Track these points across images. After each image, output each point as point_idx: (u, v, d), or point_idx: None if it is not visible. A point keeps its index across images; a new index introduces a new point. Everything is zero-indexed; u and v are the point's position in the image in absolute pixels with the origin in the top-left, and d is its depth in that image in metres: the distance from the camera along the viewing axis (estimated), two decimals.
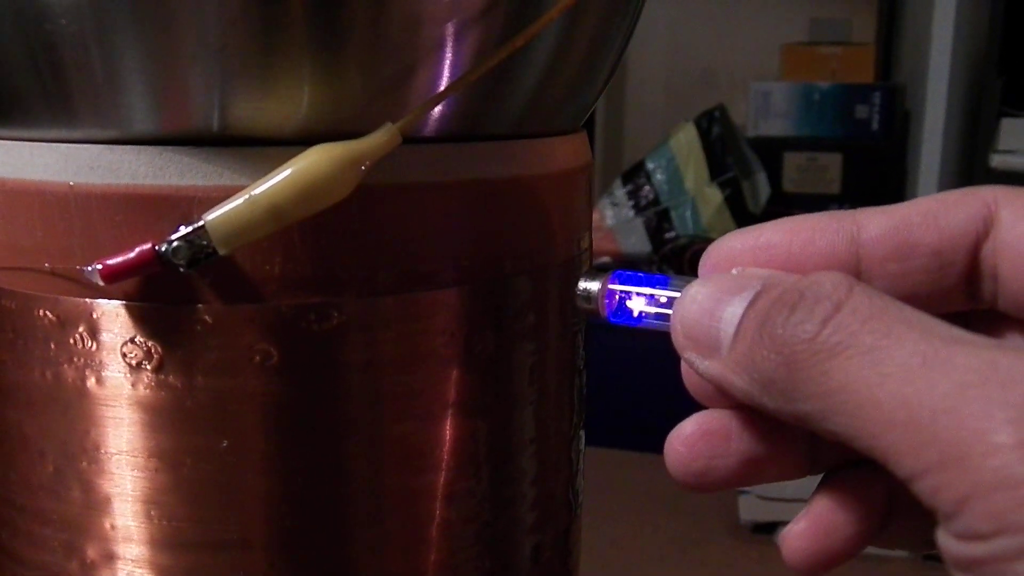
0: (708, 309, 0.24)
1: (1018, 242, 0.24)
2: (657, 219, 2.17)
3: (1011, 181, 1.93)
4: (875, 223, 0.25)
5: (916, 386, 0.20)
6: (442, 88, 0.25)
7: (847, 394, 0.21)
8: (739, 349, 0.23)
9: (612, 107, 2.72)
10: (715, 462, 0.26)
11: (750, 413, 0.26)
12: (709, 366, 0.24)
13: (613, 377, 1.89)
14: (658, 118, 2.62)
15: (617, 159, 2.68)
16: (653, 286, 0.28)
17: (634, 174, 2.23)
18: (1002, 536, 0.19)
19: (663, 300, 0.27)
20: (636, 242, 2.16)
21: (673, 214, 2.17)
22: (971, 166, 2.06)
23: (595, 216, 2.20)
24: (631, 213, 2.18)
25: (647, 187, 2.20)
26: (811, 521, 0.25)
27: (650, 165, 2.21)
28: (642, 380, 1.81)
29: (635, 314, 0.28)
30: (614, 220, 2.19)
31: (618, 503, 1.70)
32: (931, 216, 0.25)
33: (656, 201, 2.19)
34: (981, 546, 0.19)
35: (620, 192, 2.21)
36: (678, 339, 0.25)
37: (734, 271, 0.25)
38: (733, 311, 0.23)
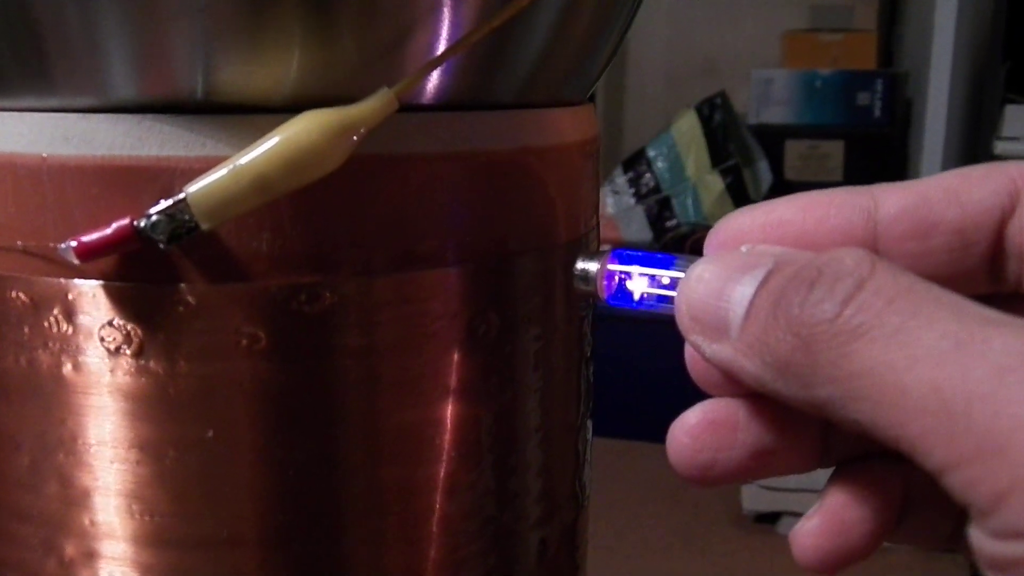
0: (716, 289, 0.22)
1: None
2: (658, 207, 2.16)
3: None
4: (893, 199, 0.23)
5: (948, 370, 0.18)
6: (441, 51, 0.23)
7: (871, 379, 0.19)
8: (750, 331, 0.22)
9: (613, 94, 2.70)
10: (721, 454, 0.24)
11: (758, 402, 0.24)
12: (717, 350, 0.22)
13: (614, 366, 1.88)
14: (659, 105, 2.60)
15: (618, 146, 2.66)
16: (655, 266, 0.26)
17: (635, 161, 2.22)
18: None
19: (666, 281, 0.26)
20: (637, 230, 2.15)
21: (674, 202, 2.16)
22: (975, 153, 2.05)
23: None
24: (632, 201, 2.17)
25: (648, 175, 2.19)
26: (824, 518, 0.23)
27: (651, 152, 2.20)
28: (644, 368, 1.80)
29: (636, 296, 0.26)
30: (615, 208, 2.18)
31: (620, 493, 1.69)
32: (953, 192, 0.23)
33: (657, 189, 2.18)
34: (1021, 545, 0.18)
35: (621, 180, 2.20)
36: (683, 321, 0.23)
37: (743, 248, 0.24)
38: (743, 291, 0.22)
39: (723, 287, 0.22)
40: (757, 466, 0.24)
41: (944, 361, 0.18)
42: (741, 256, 0.23)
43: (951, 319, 0.19)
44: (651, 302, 0.26)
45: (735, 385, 0.24)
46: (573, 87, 0.29)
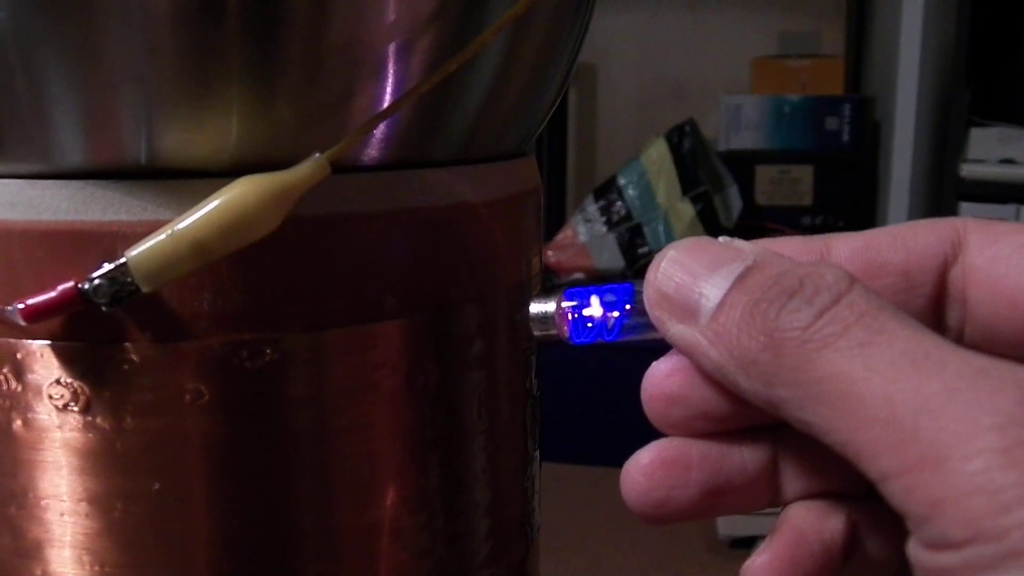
0: (691, 271, 0.23)
1: (988, 265, 0.23)
2: (630, 235, 2.17)
3: (981, 190, 1.94)
4: (844, 243, 0.25)
5: (903, 385, 0.19)
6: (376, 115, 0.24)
7: (830, 385, 0.20)
8: (721, 322, 0.22)
9: (584, 123, 2.72)
10: (675, 492, 0.25)
11: (711, 442, 0.25)
12: (682, 330, 0.23)
13: (588, 393, 1.88)
14: (630, 132, 2.62)
15: (590, 175, 2.67)
16: (612, 293, 0.27)
17: (606, 190, 2.23)
18: (975, 544, 0.18)
19: (624, 310, 0.26)
20: (609, 258, 2.16)
21: (645, 229, 2.17)
22: (941, 176, 2.07)
23: (568, 232, 2.20)
24: (604, 229, 2.18)
25: (619, 203, 2.20)
26: (773, 554, 0.25)
27: (622, 181, 2.21)
28: (618, 395, 1.80)
29: (597, 316, 0.27)
30: (587, 236, 2.18)
31: (596, 521, 1.69)
32: (899, 238, 0.24)
33: (628, 217, 2.18)
34: (952, 555, 0.18)
35: (592, 208, 2.21)
36: (650, 295, 0.24)
37: (722, 239, 0.24)
38: (719, 282, 0.23)
39: (699, 273, 0.23)
40: (709, 504, 0.25)
41: (900, 376, 0.19)
42: (719, 247, 0.24)
43: (913, 340, 0.20)
44: (615, 327, 0.27)
45: (690, 426, 0.25)
46: (512, 141, 0.30)
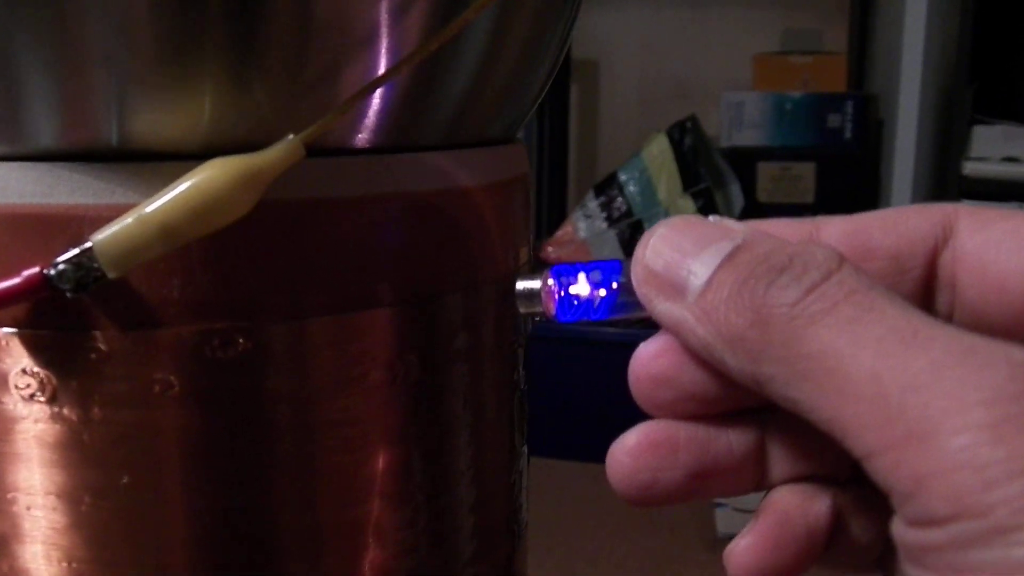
0: (680, 249, 0.23)
1: (977, 249, 0.23)
2: (630, 231, 2.16)
3: (984, 188, 1.93)
4: (834, 227, 0.25)
5: (890, 361, 0.19)
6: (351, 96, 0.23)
7: (817, 361, 0.20)
8: (709, 299, 0.22)
9: (585, 119, 2.71)
10: (661, 474, 0.25)
11: (698, 424, 0.25)
12: (670, 308, 0.23)
13: (588, 389, 1.88)
14: (632, 129, 2.61)
15: (591, 171, 2.67)
16: (598, 269, 0.26)
17: (607, 186, 2.22)
18: (959, 520, 0.18)
19: (611, 288, 0.26)
20: (609, 254, 2.15)
21: (646, 226, 2.16)
22: (944, 173, 2.07)
23: (568, 228, 2.19)
24: (604, 225, 2.17)
25: (620, 199, 2.19)
26: (757, 536, 0.24)
27: (623, 177, 2.20)
28: (617, 391, 1.80)
29: (584, 295, 0.26)
30: (587, 232, 2.17)
31: (594, 518, 1.69)
32: (890, 222, 0.24)
33: (629, 213, 2.17)
34: (937, 532, 0.18)
35: (593, 204, 2.20)
36: (638, 272, 0.24)
37: (711, 218, 0.24)
38: (708, 259, 0.23)
39: (688, 251, 0.23)
40: (696, 487, 0.25)
41: (887, 352, 0.19)
42: (709, 225, 0.24)
43: (901, 317, 0.20)
44: (601, 305, 0.26)
45: (677, 408, 0.25)
46: (500, 126, 0.30)
